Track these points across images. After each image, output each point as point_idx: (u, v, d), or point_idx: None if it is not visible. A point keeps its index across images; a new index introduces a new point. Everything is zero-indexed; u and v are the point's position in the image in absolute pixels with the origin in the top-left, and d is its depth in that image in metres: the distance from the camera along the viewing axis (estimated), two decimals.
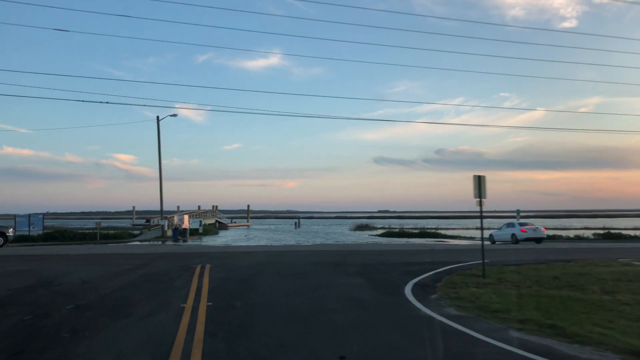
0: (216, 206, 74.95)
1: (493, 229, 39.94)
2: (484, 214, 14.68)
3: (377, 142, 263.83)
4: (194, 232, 48.29)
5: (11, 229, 31.27)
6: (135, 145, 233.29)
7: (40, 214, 39.85)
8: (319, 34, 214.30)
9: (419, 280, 13.05)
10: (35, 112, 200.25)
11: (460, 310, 9.05)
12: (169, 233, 44.40)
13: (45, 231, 41.77)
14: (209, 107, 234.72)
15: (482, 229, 15.40)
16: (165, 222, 44.75)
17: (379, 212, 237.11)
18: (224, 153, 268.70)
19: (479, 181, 14.04)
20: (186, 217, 48.14)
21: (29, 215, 38.99)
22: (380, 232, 52.41)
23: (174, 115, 43.27)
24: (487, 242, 31.26)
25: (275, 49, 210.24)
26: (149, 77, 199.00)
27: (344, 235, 50.34)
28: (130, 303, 9.83)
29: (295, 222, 74.47)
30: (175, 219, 47.26)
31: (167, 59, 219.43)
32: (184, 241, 40.99)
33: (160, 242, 38.64)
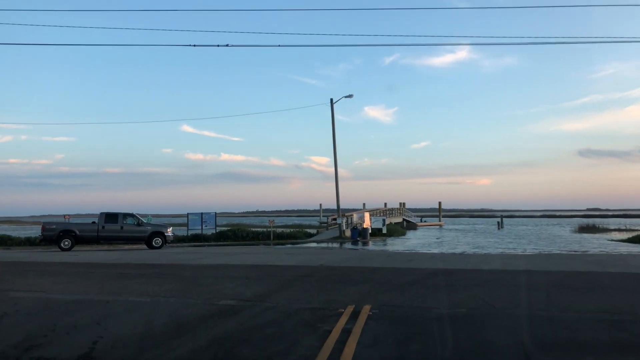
0: (403, 203, 67.63)
1: None
2: None
3: (581, 133, 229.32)
4: (376, 232, 41.64)
5: (170, 229, 27.93)
6: (330, 148, 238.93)
7: (213, 212, 36.87)
8: (509, 22, 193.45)
9: None
10: (245, 123, 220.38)
11: None
12: (348, 233, 38.31)
13: (219, 229, 38.93)
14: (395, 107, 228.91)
15: None
16: (343, 221, 38.78)
17: (588, 209, 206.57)
18: (412, 151, 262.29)
19: None
20: (367, 215, 41.65)
21: (202, 214, 36.18)
22: (625, 236, 39.04)
23: (350, 96, 37.03)
24: None
25: (462, 43, 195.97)
26: (339, 84, 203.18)
27: (572, 240, 38.63)
28: None
29: (498, 222, 63.35)
30: (355, 217, 41.08)
31: (355, 64, 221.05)
32: (364, 243, 34.40)
33: (337, 245, 32.63)
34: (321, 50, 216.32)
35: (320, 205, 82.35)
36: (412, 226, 62.69)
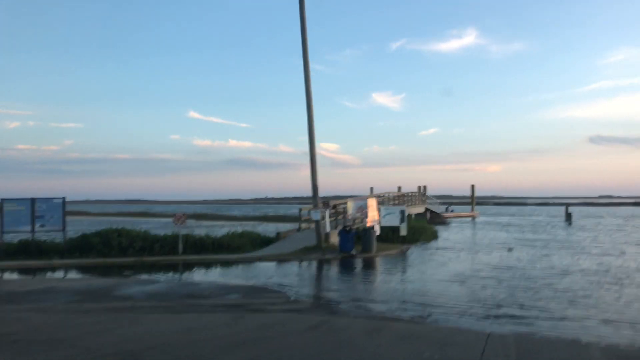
0: (424, 187, 48.73)
1: None
2: None
3: (592, 119, 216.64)
4: (389, 233, 23.12)
5: None
6: (338, 135, 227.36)
7: (60, 198, 18.43)
8: (518, 6, 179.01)
9: None
10: (255, 108, 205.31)
11: None
12: (335, 238, 19.73)
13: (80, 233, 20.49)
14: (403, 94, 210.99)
15: None
16: (327, 215, 20.22)
17: (600, 197, 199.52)
18: (421, 138, 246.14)
19: None
20: (373, 203, 22.93)
21: (32, 201, 17.83)
22: None
23: None
24: None
25: (470, 29, 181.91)
26: (347, 70, 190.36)
27: None
28: None
29: (566, 214, 44.22)
30: (350, 207, 22.37)
31: (363, 49, 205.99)
32: (367, 265, 16.00)
33: (305, 266, 14.18)
34: (328, 36, 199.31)
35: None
36: (438, 219, 43.88)
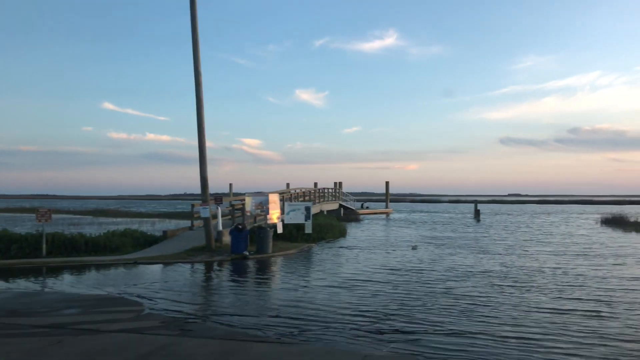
0: (340, 183, 47.87)
1: None
2: None
3: (503, 122, 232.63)
4: (293, 231, 21.66)
5: None
6: (260, 130, 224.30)
7: None
8: (436, 11, 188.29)
9: None
10: (174, 101, 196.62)
11: None
12: (227, 237, 17.86)
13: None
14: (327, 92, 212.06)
15: None
16: (219, 212, 18.33)
17: (509, 195, 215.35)
18: (344, 136, 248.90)
19: None
20: (274, 199, 21.28)
21: None
22: None
23: None
24: None
25: (391, 30, 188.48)
26: (270, 65, 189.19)
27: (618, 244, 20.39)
28: None
29: (475, 212, 44.74)
30: (249, 204, 20.56)
31: (286, 45, 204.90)
32: (262, 266, 14.29)
33: (185, 270, 12.20)
34: (251, 30, 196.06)
35: (231, 185, 61.13)
36: (352, 215, 43.11)
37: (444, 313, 8.78)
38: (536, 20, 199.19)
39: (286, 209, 22.48)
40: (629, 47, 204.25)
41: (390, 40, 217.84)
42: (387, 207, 55.22)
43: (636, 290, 10.93)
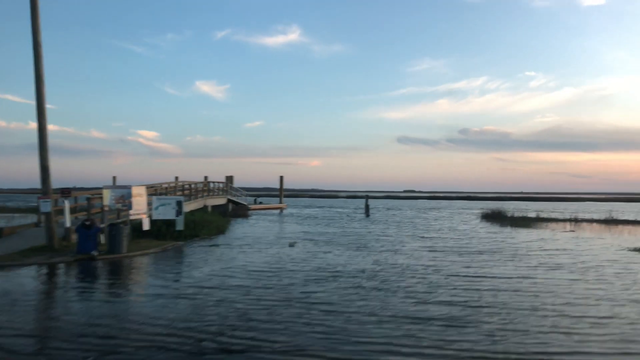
0: (231, 177, 45.77)
1: None
2: None
3: (400, 121, 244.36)
4: (162, 229, 19.63)
5: None
6: (158, 122, 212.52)
7: None
8: (339, 10, 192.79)
9: None
10: (62, 88, 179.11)
11: None
12: (76, 237, 15.40)
13: None
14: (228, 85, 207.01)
15: None
16: (66, 206, 15.82)
17: (405, 191, 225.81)
18: (246, 130, 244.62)
19: None
20: (140, 192, 19.09)
21: None
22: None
23: None
24: None
25: (295, 26, 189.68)
26: (169, 55, 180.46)
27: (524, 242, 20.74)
28: None
29: (365, 206, 44.59)
30: (107, 198, 18.15)
31: (186, 35, 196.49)
32: (105, 268, 12.13)
33: (11, 275, 9.81)
34: (149, 17, 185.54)
35: (114, 178, 56.53)
36: (241, 211, 41.32)
37: (289, 325, 7.44)
38: (431, 24, 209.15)
39: (154, 204, 20.37)
40: (512, 55, 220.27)
41: (293, 36, 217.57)
42: (281, 202, 54.00)
43: (502, 290, 10.34)
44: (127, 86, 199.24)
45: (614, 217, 32.88)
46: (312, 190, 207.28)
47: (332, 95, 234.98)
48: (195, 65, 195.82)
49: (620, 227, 28.92)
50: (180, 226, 20.21)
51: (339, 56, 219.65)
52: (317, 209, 52.64)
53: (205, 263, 13.89)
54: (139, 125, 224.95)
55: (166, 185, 26.48)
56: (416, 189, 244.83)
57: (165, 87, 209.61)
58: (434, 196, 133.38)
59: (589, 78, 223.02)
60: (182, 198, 21.42)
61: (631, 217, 35.75)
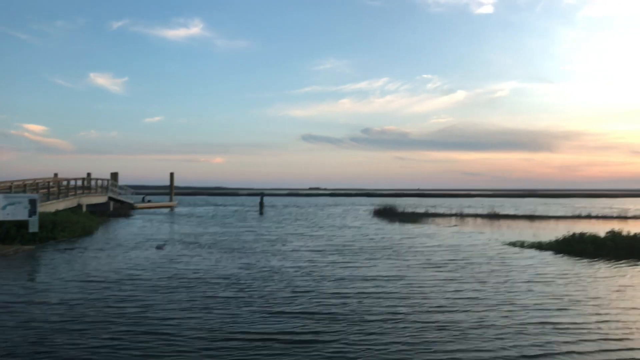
0: (115, 174, 42.37)
1: None
2: None
3: (304, 119, 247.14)
4: (11, 231, 17.13)
5: None
6: (46, 116, 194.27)
7: None
8: (243, 5, 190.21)
9: None
10: None
11: None
12: None
13: None
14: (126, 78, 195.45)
15: None
16: None
17: (310, 189, 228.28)
18: (146, 125, 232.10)
19: None
20: None
21: None
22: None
23: None
24: None
25: (197, 20, 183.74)
26: (59, 43, 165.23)
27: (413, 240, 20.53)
28: None
29: (260, 203, 43.07)
30: None
31: (78, 23, 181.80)
32: None
33: None
34: (32, 1, 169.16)
35: None
36: (122, 210, 38.35)
37: (93, 351, 5.93)
38: (335, 25, 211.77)
39: (2, 203, 17.68)
40: (411, 58, 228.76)
41: (195, 29, 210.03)
42: (171, 200, 51.19)
43: (368, 294, 9.49)
44: (9, 76, 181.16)
45: (496, 212, 34.31)
46: (216, 188, 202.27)
47: (236, 91, 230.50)
48: (89, 56, 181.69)
49: (501, 221, 30.16)
50: (34, 228, 17.75)
51: (242, 52, 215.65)
52: (211, 207, 50.44)
53: (37, 272, 11.83)
54: (24, 119, 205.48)
55: (19, 183, 23.40)
56: (321, 187, 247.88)
57: (56, 78, 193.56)
58: (335, 193, 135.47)
59: (480, 82, 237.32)
60: (36, 196, 18.83)
61: (511, 212, 37.61)
